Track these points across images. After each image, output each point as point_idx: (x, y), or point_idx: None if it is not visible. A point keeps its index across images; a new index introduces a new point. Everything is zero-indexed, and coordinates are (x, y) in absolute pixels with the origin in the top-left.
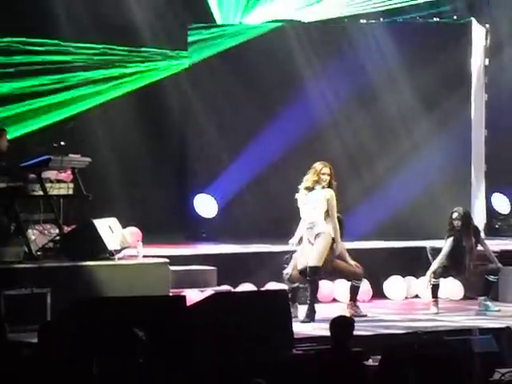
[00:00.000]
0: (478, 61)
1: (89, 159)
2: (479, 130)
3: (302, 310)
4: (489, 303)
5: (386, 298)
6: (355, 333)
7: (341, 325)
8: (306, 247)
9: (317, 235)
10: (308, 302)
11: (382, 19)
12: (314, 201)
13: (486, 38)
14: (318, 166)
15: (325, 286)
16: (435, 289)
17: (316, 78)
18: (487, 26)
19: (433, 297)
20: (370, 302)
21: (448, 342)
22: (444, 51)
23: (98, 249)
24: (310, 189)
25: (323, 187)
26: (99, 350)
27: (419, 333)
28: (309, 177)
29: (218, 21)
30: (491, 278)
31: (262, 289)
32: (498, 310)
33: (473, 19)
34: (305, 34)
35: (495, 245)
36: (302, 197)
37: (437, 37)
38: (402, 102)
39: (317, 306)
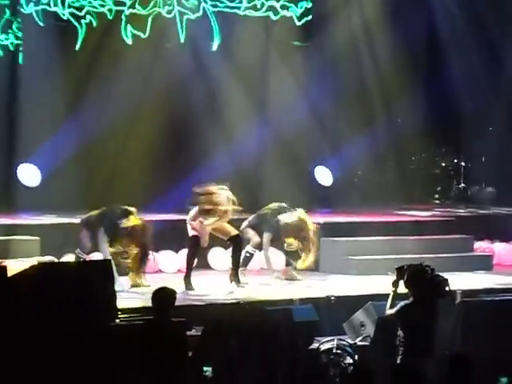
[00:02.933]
0: None
1: None
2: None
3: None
4: (293, 273)
5: (210, 269)
6: (180, 303)
7: (162, 296)
8: None
9: None
10: None
11: None
12: None
13: None
14: None
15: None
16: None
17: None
18: None
19: (243, 266)
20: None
21: (269, 311)
22: None
23: None
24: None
25: None
26: None
27: (241, 303)
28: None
29: None
30: (289, 248)
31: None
32: (300, 279)
33: None
34: None
35: (319, 217)
36: None
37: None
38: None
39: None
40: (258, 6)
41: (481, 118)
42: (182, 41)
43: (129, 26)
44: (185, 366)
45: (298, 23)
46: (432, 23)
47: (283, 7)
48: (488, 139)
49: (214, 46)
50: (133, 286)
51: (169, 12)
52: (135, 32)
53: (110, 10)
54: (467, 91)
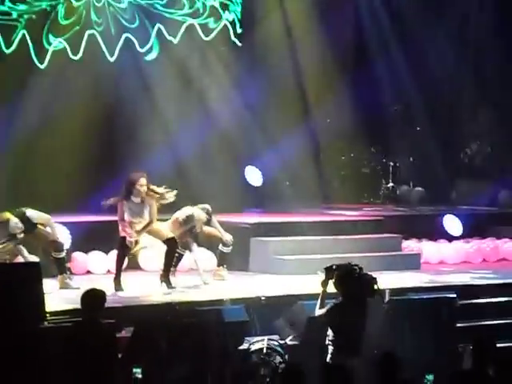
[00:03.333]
0: None
1: None
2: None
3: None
4: (224, 273)
5: (140, 270)
6: (110, 304)
7: (91, 297)
8: None
9: None
10: None
11: None
12: None
13: None
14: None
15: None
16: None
17: None
18: None
19: (173, 267)
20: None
21: (200, 312)
22: None
23: None
24: None
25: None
26: None
27: (172, 304)
28: None
29: None
30: (224, 249)
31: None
32: (230, 280)
33: None
34: None
35: (250, 216)
36: None
37: None
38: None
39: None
40: (200, 11)
41: (408, 117)
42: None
43: (50, 34)
44: (114, 367)
45: (239, 29)
46: (359, 23)
47: (223, 7)
48: (415, 138)
49: (152, 56)
50: (61, 287)
51: (98, 24)
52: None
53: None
54: (394, 90)
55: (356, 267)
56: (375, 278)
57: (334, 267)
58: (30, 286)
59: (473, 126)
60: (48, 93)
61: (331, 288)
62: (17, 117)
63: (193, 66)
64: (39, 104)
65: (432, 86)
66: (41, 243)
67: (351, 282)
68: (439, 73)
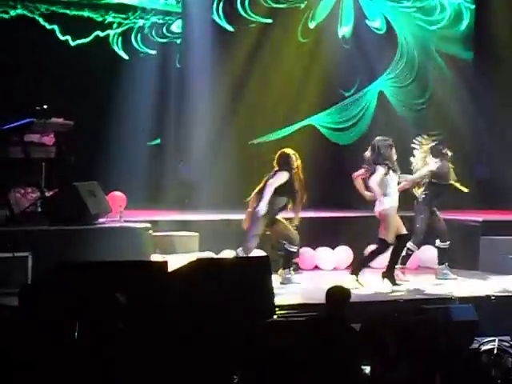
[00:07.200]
0: None
1: (71, 123)
2: None
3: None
4: (447, 271)
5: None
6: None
7: (337, 294)
8: None
9: None
10: None
11: None
12: None
13: None
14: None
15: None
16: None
17: None
18: None
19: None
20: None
21: (427, 310)
22: None
23: (80, 213)
24: None
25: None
26: (80, 313)
27: (399, 301)
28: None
29: None
30: (442, 245)
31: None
32: (455, 278)
33: None
34: None
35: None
36: None
37: None
38: None
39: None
40: None
41: None
42: None
43: None
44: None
45: None
46: None
47: None
48: None
49: None
50: (282, 282)
51: None
52: None
53: None
54: None
55: None
56: None
57: None
58: (261, 280)
59: None
60: None
61: None
62: None
63: None
64: None
65: None
66: (277, 236)
67: None
68: None
